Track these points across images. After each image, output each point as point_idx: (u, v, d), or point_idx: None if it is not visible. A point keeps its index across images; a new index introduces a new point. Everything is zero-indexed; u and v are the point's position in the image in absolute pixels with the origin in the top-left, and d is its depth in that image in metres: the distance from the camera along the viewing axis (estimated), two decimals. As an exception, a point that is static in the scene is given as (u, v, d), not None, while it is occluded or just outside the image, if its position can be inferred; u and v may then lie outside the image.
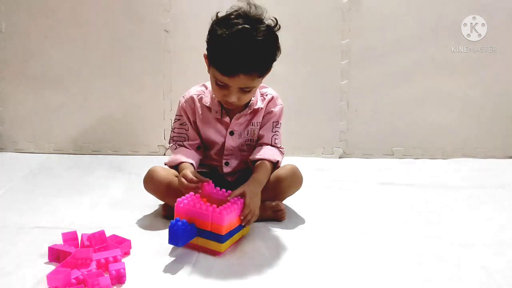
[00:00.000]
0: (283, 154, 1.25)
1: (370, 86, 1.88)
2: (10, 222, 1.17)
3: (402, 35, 1.85)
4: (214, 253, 1.00)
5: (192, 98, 1.23)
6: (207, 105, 1.21)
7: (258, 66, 1.07)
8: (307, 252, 1.03)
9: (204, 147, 1.26)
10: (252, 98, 1.20)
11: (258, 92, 1.22)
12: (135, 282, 0.89)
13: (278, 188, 1.19)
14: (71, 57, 1.89)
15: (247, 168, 1.23)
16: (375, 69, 1.88)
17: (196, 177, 1.08)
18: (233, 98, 1.10)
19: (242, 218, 1.05)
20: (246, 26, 1.05)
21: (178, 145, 1.23)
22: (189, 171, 1.09)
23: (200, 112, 1.22)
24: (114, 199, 1.36)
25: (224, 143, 1.23)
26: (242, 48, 1.03)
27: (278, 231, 1.13)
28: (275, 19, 1.12)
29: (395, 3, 1.85)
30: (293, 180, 1.21)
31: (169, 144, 1.26)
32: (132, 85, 1.90)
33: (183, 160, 1.16)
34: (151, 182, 1.19)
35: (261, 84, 1.24)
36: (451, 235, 1.13)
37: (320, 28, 1.86)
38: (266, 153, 1.20)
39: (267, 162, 1.18)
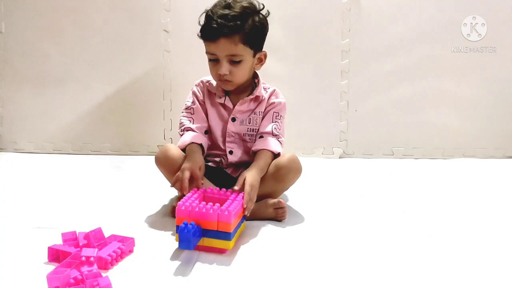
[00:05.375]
0: (283, 144, 1.28)
1: (370, 86, 1.89)
2: (10, 222, 1.17)
3: (402, 35, 1.86)
4: (221, 251, 1.00)
5: (202, 81, 1.31)
6: (212, 91, 1.28)
7: (236, 28, 1.14)
8: (307, 252, 1.03)
9: (210, 129, 1.29)
10: (258, 89, 1.26)
11: (261, 85, 1.29)
12: (135, 282, 0.89)
13: (277, 175, 1.20)
14: (71, 57, 1.89)
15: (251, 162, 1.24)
16: (375, 69, 1.88)
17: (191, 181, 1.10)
18: (224, 70, 1.17)
19: (244, 206, 1.06)
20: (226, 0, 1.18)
21: (185, 129, 1.26)
22: (193, 171, 1.11)
23: (207, 97, 1.29)
24: (114, 199, 1.36)
25: (226, 128, 1.27)
26: (220, 12, 1.16)
27: (278, 231, 1.13)
28: (263, 4, 1.23)
29: (395, 3, 1.85)
30: (292, 167, 1.21)
31: (179, 132, 1.29)
32: (132, 85, 1.90)
33: (192, 141, 1.20)
34: (164, 158, 1.20)
35: (263, 81, 1.31)
36: (451, 235, 1.12)
37: (320, 28, 1.87)
38: (267, 144, 1.24)
39: (268, 151, 1.22)
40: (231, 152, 1.28)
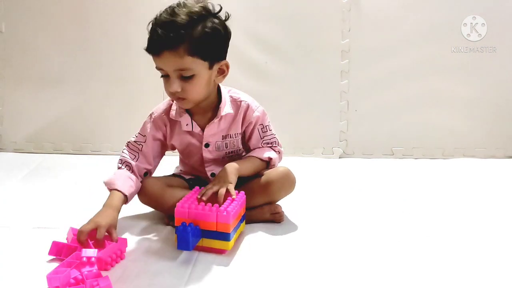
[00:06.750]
0: (280, 153, 1.22)
1: (370, 86, 1.89)
2: (10, 222, 1.17)
3: (402, 35, 1.85)
4: (220, 251, 1.00)
5: (160, 117, 1.17)
6: (174, 118, 1.15)
7: (179, 38, 0.99)
8: (306, 252, 1.03)
9: (184, 156, 1.23)
10: (222, 109, 1.13)
11: (227, 97, 1.16)
12: (134, 282, 0.89)
13: (268, 190, 1.15)
14: (71, 57, 1.89)
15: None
16: (375, 69, 1.88)
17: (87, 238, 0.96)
18: (175, 87, 1.03)
19: (199, 197, 1.03)
20: (173, 5, 1.03)
21: (125, 164, 1.15)
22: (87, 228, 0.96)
23: (170, 129, 1.17)
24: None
25: (201, 156, 1.18)
26: (161, 22, 1.01)
27: (276, 231, 1.13)
28: (220, 6, 1.08)
29: (395, 3, 1.85)
30: (284, 183, 1.16)
31: (122, 153, 1.17)
32: (132, 85, 1.90)
33: (117, 188, 1.07)
34: (145, 196, 1.15)
35: (231, 89, 1.19)
36: (452, 236, 1.12)
37: (320, 28, 1.87)
38: (256, 152, 1.18)
39: (254, 157, 1.16)
40: (212, 175, 1.20)
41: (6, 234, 1.09)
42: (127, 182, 1.11)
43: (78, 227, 1.06)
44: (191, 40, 1.00)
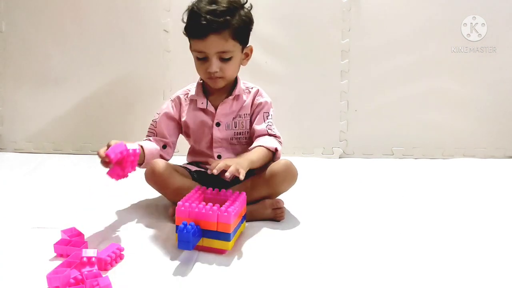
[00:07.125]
0: (281, 143, 1.25)
1: (370, 86, 1.89)
2: (10, 222, 1.17)
3: (402, 35, 1.86)
4: (221, 251, 1.00)
5: (178, 97, 1.29)
6: (193, 98, 1.25)
7: (226, 23, 1.12)
8: (306, 252, 1.03)
9: (195, 138, 1.28)
10: (237, 88, 1.24)
11: (240, 82, 1.27)
12: (134, 282, 0.89)
13: (271, 183, 1.17)
14: (71, 57, 1.89)
15: None
16: (375, 69, 1.88)
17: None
18: (214, 67, 1.15)
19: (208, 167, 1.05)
20: None
21: (146, 138, 1.27)
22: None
23: (187, 108, 1.26)
24: (114, 199, 1.36)
25: (211, 135, 1.24)
26: (207, 8, 1.13)
27: (277, 231, 1.13)
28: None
29: (395, 3, 1.85)
30: (287, 175, 1.19)
31: None
32: (132, 85, 1.90)
33: (138, 142, 1.19)
34: (151, 175, 1.19)
35: (243, 81, 1.28)
36: (451, 236, 1.12)
37: (320, 28, 1.87)
38: (263, 141, 1.21)
39: (262, 147, 1.19)
40: (219, 157, 1.25)
41: (6, 234, 1.09)
42: (147, 141, 1.24)
43: (77, 227, 1.07)
44: (233, 25, 1.14)
